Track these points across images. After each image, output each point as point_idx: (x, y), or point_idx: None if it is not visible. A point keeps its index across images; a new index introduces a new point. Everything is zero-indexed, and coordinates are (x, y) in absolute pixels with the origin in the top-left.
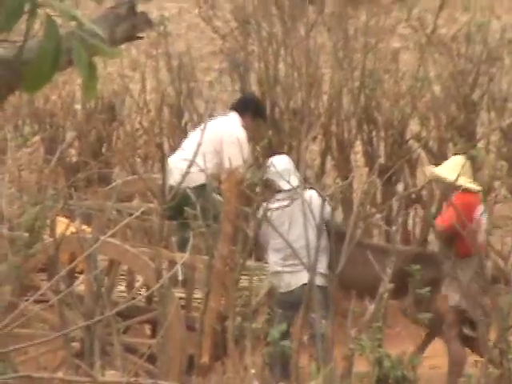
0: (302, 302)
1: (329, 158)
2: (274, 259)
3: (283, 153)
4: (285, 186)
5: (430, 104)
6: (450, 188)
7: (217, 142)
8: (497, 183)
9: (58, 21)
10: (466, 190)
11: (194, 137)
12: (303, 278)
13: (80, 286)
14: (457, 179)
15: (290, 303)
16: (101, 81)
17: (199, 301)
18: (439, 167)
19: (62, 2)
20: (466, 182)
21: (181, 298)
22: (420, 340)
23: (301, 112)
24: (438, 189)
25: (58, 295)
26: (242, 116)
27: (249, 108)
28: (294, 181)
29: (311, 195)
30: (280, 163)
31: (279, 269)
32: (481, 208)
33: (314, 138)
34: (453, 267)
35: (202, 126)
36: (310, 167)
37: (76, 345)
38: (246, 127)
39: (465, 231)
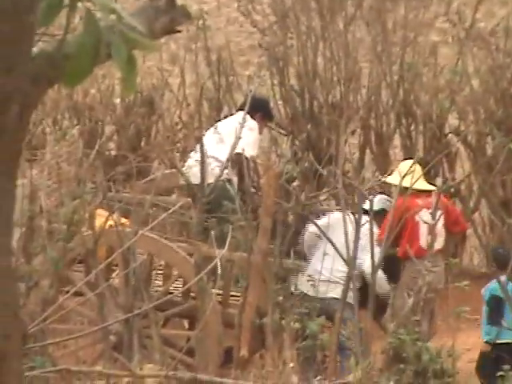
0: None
1: (368, 151)
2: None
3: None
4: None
5: (469, 98)
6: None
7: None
8: None
9: (98, 14)
10: (411, 192)
11: (212, 137)
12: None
13: (117, 280)
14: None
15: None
16: (140, 75)
17: (236, 298)
18: (392, 176)
19: None
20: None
21: (218, 295)
22: (459, 333)
23: (339, 106)
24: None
25: (95, 289)
26: (251, 116)
27: (259, 108)
28: None
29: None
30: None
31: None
32: (424, 209)
33: (353, 132)
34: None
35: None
36: (348, 161)
37: (114, 338)
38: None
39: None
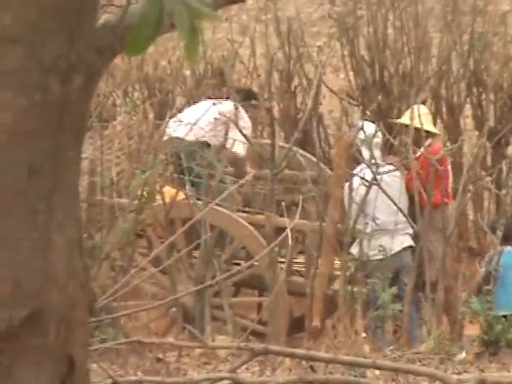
0: (403, 265)
1: (438, 121)
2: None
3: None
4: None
5: None
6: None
7: None
8: None
9: None
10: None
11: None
12: (404, 241)
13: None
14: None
15: (394, 267)
16: (210, 46)
17: (301, 265)
18: (403, 117)
19: None
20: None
21: (280, 262)
22: None
23: (410, 76)
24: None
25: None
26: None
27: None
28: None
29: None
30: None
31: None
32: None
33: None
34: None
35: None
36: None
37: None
38: None
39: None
